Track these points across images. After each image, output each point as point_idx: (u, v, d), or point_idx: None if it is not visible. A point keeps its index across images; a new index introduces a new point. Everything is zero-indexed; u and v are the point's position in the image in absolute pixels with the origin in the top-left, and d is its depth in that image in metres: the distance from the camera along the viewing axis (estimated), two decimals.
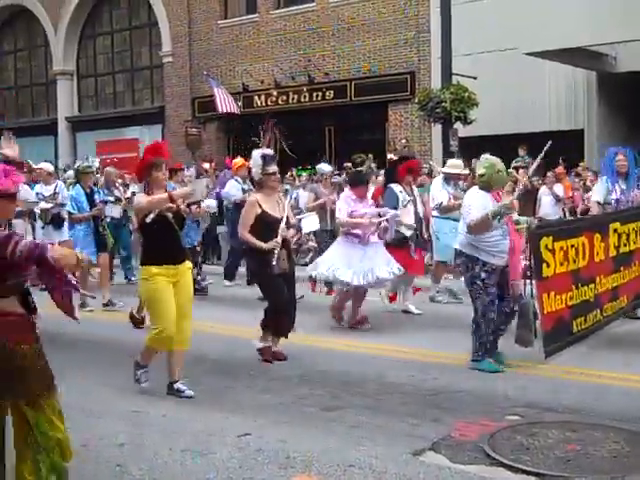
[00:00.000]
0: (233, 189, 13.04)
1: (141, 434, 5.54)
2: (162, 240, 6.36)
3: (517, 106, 18.83)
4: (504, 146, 18.38)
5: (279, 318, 7.72)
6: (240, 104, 22.97)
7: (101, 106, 28.88)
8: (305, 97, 23.02)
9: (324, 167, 14.12)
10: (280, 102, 23.38)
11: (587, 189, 15.26)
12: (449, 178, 10.93)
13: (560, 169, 15.57)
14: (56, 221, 11.75)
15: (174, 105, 25.98)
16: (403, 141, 19.56)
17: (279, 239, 7.54)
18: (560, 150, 16.03)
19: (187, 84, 25.63)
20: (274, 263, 7.47)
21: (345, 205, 9.31)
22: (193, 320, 6.67)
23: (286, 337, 7.81)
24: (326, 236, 12.58)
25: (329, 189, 13.36)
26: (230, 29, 24.69)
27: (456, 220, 11.00)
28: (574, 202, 15.22)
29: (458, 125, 17.20)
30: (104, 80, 28.79)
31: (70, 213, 11.30)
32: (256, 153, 7.77)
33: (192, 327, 6.61)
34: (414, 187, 10.62)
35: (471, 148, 17.55)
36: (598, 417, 5.79)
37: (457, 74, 17.06)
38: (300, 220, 9.99)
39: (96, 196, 11.53)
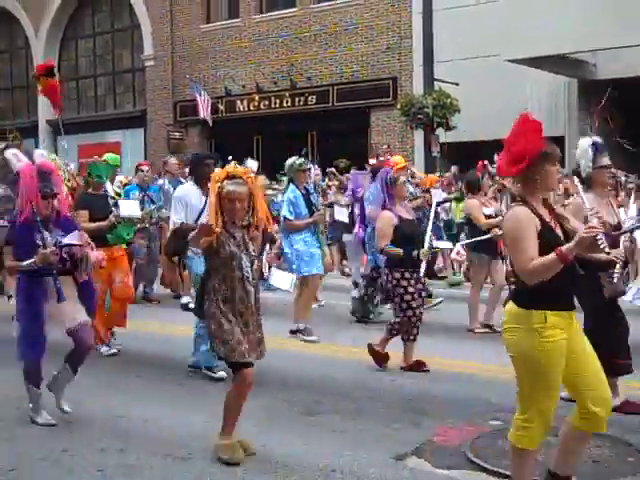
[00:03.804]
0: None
1: (123, 439, 5.51)
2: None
3: (498, 112, 18.84)
4: (485, 152, 18.49)
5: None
6: (222, 108, 22.96)
7: (82, 109, 28.75)
8: (287, 102, 23.03)
9: None
10: (262, 107, 23.38)
11: (568, 196, 15.30)
12: None
13: None
14: None
15: (156, 109, 25.92)
16: (385, 147, 19.64)
17: (621, 250, 6.01)
18: None
19: (169, 88, 25.59)
20: (614, 282, 5.91)
21: None
22: (163, 323, 6.55)
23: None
24: None
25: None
26: (212, 33, 24.67)
27: None
28: None
29: (440, 131, 17.28)
30: (86, 83, 28.66)
31: (285, 219, 9.36)
32: (584, 142, 6.49)
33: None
34: None
35: (452, 154, 17.65)
36: None
37: (439, 80, 17.15)
38: None
39: (312, 198, 9.48)
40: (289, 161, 9.29)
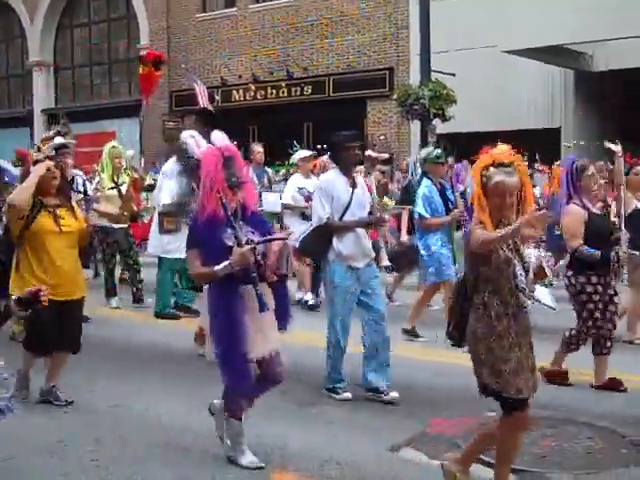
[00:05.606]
0: None
1: (120, 429, 5.52)
2: None
3: (495, 104, 18.92)
4: (481, 143, 18.46)
5: None
6: (218, 98, 22.88)
7: (78, 98, 28.66)
8: (283, 92, 23.00)
9: None
10: (258, 97, 23.35)
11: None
12: None
13: (542, 166, 15.57)
14: None
15: (152, 98, 25.84)
16: (382, 137, 19.63)
17: None
18: (536, 149, 16.16)
19: (165, 77, 25.46)
20: None
21: None
22: None
23: None
24: None
25: None
26: (208, 23, 24.61)
27: None
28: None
29: (436, 122, 17.25)
30: (81, 72, 28.57)
31: (421, 217, 8.30)
32: None
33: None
34: None
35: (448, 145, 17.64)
36: (573, 414, 5.86)
37: (436, 71, 17.11)
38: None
39: (448, 193, 8.58)
40: (424, 152, 8.28)
